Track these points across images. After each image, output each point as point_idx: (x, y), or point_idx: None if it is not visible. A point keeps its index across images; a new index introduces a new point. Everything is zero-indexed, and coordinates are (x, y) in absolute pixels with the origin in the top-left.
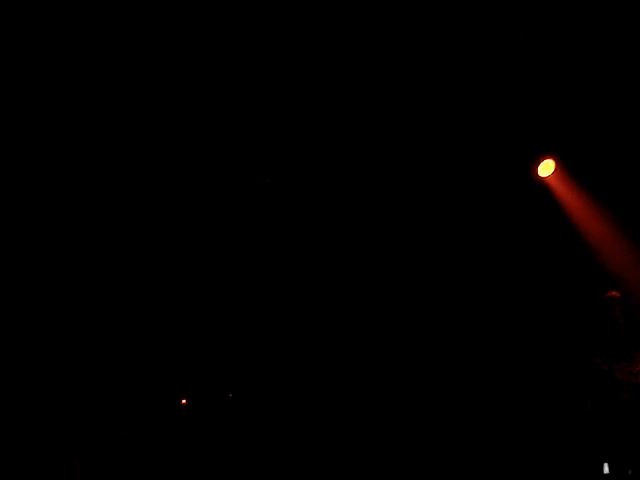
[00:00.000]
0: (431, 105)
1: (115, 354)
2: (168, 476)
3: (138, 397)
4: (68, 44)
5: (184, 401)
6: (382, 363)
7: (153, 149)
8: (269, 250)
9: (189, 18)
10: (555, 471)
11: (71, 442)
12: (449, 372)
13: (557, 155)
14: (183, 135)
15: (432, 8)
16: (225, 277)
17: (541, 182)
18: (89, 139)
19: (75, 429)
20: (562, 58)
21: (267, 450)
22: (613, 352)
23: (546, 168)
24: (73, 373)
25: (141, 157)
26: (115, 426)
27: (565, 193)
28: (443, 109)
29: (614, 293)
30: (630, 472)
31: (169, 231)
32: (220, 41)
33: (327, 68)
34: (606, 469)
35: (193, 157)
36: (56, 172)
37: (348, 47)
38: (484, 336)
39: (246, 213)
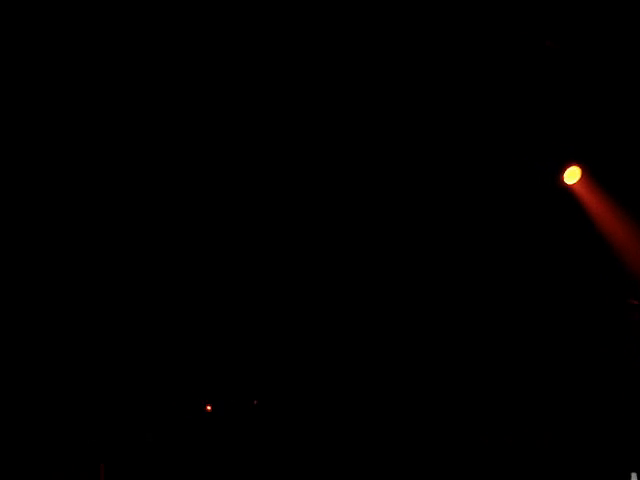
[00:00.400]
0: (456, 112)
1: (142, 361)
2: None
3: (164, 404)
4: (68, 44)
5: (209, 407)
6: (385, 363)
7: (153, 150)
8: (287, 257)
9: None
10: (555, 472)
11: (97, 449)
12: (451, 372)
13: (583, 162)
14: (184, 137)
15: (457, 13)
16: (252, 287)
17: (567, 189)
18: (89, 139)
19: (101, 436)
20: (588, 65)
21: (291, 456)
22: (633, 361)
23: (572, 175)
24: (99, 380)
25: (141, 158)
26: (141, 433)
27: (591, 200)
28: (468, 116)
29: (634, 301)
30: None
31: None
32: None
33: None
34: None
35: (194, 159)
36: (56, 172)
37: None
38: (498, 338)
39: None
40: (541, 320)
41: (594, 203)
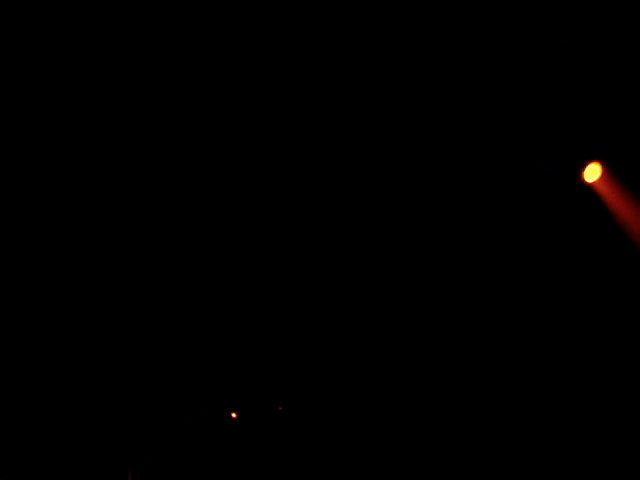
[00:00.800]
0: (473, 109)
1: (167, 368)
2: None
3: (189, 410)
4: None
5: (234, 415)
6: (385, 363)
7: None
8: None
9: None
10: (555, 472)
11: (124, 456)
12: (451, 372)
13: (603, 159)
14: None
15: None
16: (274, 296)
17: (587, 187)
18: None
19: (128, 443)
20: (607, 61)
21: (316, 463)
22: None
23: (592, 173)
24: (124, 386)
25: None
26: (167, 440)
27: (612, 198)
28: (486, 114)
29: None
30: None
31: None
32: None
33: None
34: None
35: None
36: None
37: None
38: (501, 337)
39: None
40: (552, 318)
41: (615, 201)
